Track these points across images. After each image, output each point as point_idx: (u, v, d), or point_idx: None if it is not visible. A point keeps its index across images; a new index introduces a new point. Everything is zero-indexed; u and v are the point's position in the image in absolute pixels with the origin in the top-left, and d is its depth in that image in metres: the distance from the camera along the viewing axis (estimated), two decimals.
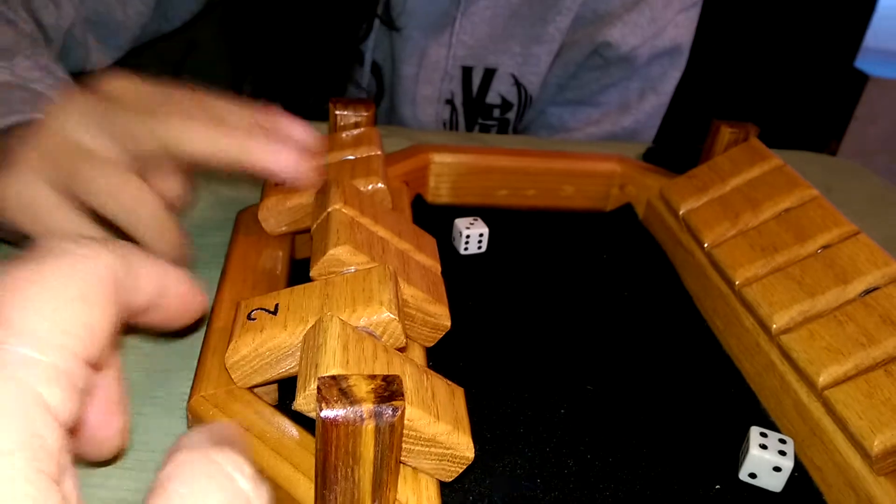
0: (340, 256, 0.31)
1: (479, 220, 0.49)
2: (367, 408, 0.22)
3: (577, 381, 0.38)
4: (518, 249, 0.50)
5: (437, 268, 0.37)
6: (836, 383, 0.32)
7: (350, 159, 0.41)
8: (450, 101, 0.78)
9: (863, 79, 1.99)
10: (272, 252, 0.39)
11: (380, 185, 0.39)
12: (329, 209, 0.34)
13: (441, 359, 0.37)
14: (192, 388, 0.29)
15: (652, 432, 0.35)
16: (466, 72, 0.76)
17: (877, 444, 0.29)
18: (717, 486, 0.33)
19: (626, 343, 0.41)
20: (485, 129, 0.80)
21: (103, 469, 0.30)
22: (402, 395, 0.22)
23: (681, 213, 0.46)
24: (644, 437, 0.35)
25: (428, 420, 0.25)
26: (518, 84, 0.77)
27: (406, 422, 0.25)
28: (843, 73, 1.97)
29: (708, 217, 0.44)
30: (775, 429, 0.36)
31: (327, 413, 0.21)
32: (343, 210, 0.34)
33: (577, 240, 0.52)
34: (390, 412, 0.22)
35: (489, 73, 0.76)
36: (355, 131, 0.44)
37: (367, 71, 0.76)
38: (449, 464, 0.26)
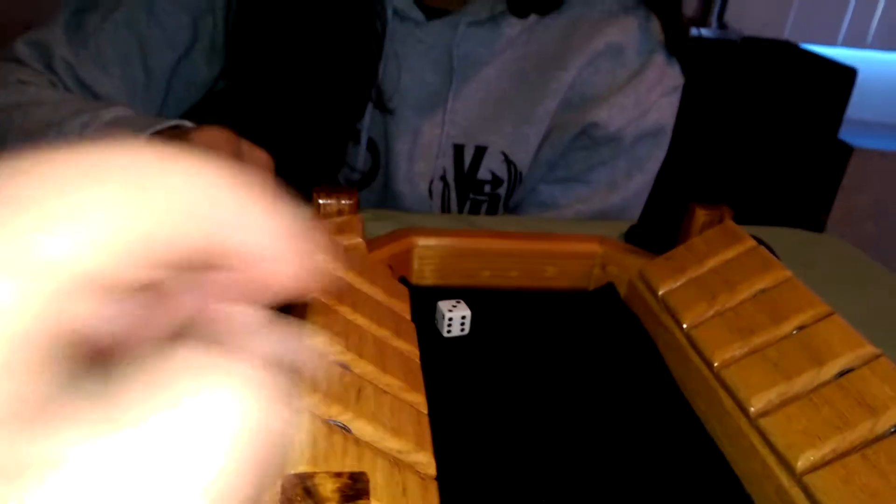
0: (318, 349, 0.31)
1: (462, 302, 0.50)
2: None
3: (557, 469, 0.37)
4: (501, 331, 0.50)
5: (416, 353, 0.37)
6: (815, 468, 0.32)
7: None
8: (443, 178, 0.80)
9: (847, 150, 2.03)
10: None
11: (358, 239, 0.39)
12: (307, 297, 0.34)
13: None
14: None
15: None
16: (458, 149, 0.78)
17: None
18: None
19: (609, 427, 0.41)
20: (476, 205, 0.82)
21: None
22: (368, 493, 0.22)
23: (660, 293, 0.47)
24: None
25: None
26: (508, 161, 0.79)
27: None
28: (827, 146, 2.02)
29: (686, 298, 0.45)
30: None
31: None
32: (320, 299, 0.34)
33: (559, 320, 0.52)
34: None
35: (480, 151, 0.78)
36: (338, 219, 0.45)
37: (363, 148, 0.78)
38: None
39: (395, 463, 0.28)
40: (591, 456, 0.39)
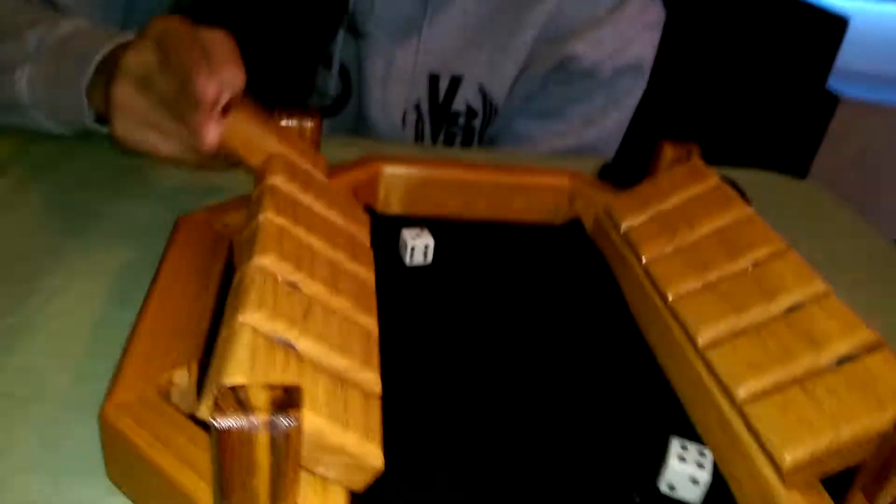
0: (266, 267, 0.31)
1: (426, 230, 0.49)
2: (262, 418, 0.22)
3: (504, 394, 0.38)
4: (465, 261, 0.50)
5: (370, 278, 0.37)
6: (755, 398, 0.32)
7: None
8: (416, 108, 0.78)
9: (834, 100, 2.02)
10: (209, 258, 0.39)
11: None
12: (259, 218, 0.34)
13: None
14: (106, 394, 0.29)
15: (577, 442, 0.35)
16: (433, 79, 0.76)
17: (787, 459, 0.29)
18: (637, 498, 0.33)
19: (560, 355, 0.42)
20: (451, 137, 0.81)
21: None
22: (300, 405, 0.22)
23: (622, 228, 0.47)
24: (569, 447, 0.35)
25: (335, 429, 0.25)
26: (484, 93, 0.78)
27: (313, 431, 0.25)
28: (814, 94, 2.00)
29: (647, 233, 0.45)
30: (700, 441, 0.36)
31: (221, 422, 0.21)
32: (273, 219, 0.34)
33: (523, 253, 0.52)
34: (286, 422, 0.22)
35: (455, 82, 0.77)
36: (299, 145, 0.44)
37: (335, 73, 0.76)
38: (357, 473, 0.27)
39: (339, 380, 0.28)
40: (539, 382, 0.39)
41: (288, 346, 0.27)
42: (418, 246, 0.49)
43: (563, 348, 0.42)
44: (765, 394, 0.32)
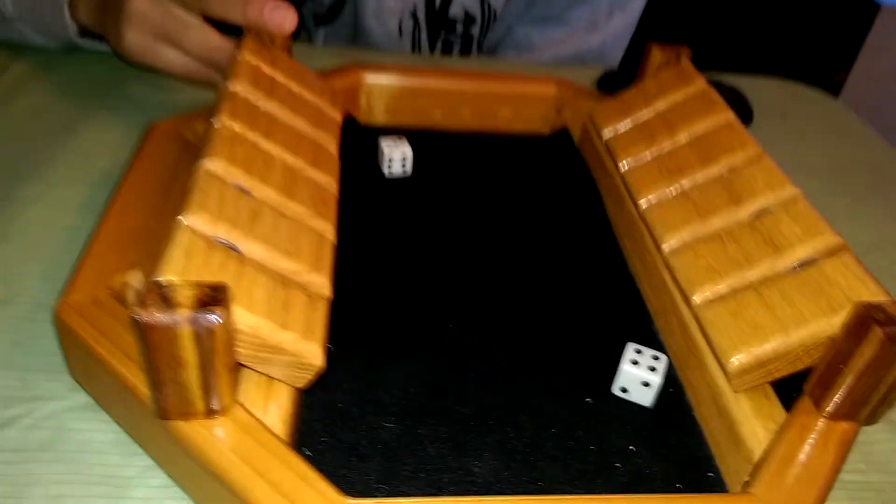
0: (213, 171, 0.31)
1: (404, 139, 0.49)
2: (183, 313, 0.22)
3: (473, 295, 0.38)
4: (446, 172, 0.49)
5: (332, 184, 0.37)
6: (710, 303, 0.32)
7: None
8: (413, 15, 0.76)
9: (874, 7, 1.91)
10: (174, 165, 0.39)
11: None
12: (213, 122, 0.34)
13: (346, 274, 0.37)
14: (60, 294, 0.30)
15: (539, 346, 0.36)
16: None
17: (732, 362, 0.29)
18: (589, 399, 0.33)
19: (533, 262, 0.42)
20: (448, 45, 0.78)
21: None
22: (225, 303, 0.23)
23: (604, 137, 0.46)
24: (531, 351, 0.35)
25: (271, 328, 0.26)
26: None
27: (248, 328, 0.25)
28: (853, 1, 1.89)
29: (628, 141, 0.44)
30: (662, 347, 0.36)
31: (143, 317, 0.22)
32: (228, 125, 0.33)
33: (506, 163, 0.51)
34: (210, 319, 0.22)
35: None
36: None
37: None
38: (298, 371, 0.27)
39: (283, 282, 0.28)
40: (508, 286, 0.39)
41: (230, 248, 0.28)
42: (396, 156, 0.48)
43: (537, 256, 0.42)
44: (720, 299, 0.32)
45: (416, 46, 0.78)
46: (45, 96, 0.54)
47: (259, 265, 0.28)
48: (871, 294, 0.28)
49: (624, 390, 0.33)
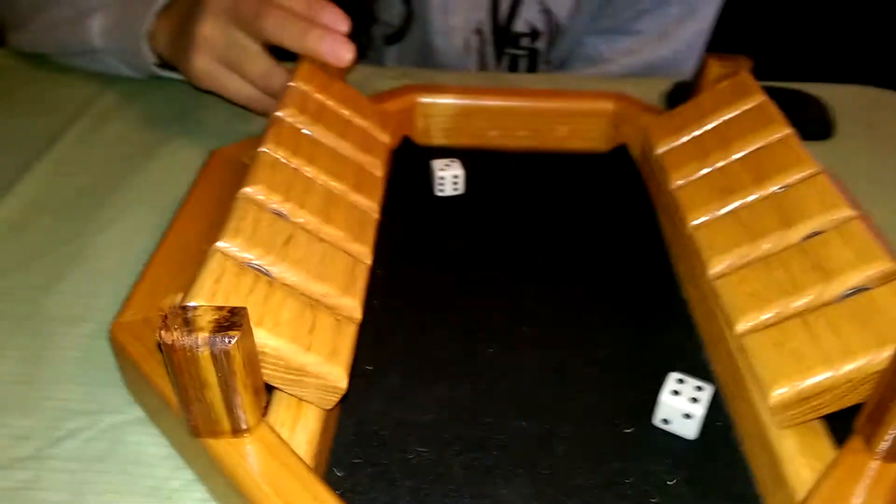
0: (252, 196, 0.32)
1: (457, 161, 0.49)
2: (202, 336, 0.23)
3: (517, 320, 0.38)
4: (499, 192, 0.49)
5: (374, 208, 0.38)
6: (754, 331, 0.30)
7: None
8: (478, 31, 0.76)
9: None
10: (233, 189, 0.41)
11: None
12: (259, 150, 0.35)
13: (388, 294, 0.38)
14: (116, 314, 0.32)
15: (582, 372, 0.35)
16: (494, 0, 0.74)
17: (773, 395, 0.28)
18: (629, 430, 0.32)
19: (582, 285, 0.41)
20: (514, 60, 0.79)
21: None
22: (241, 325, 0.24)
23: (656, 152, 0.45)
24: (573, 377, 0.35)
25: (296, 350, 0.27)
26: (547, 11, 0.75)
27: (272, 350, 0.26)
28: None
29: (680, 157, 0.42)
30: (711, 377, 0.35)
31: (166, 339, 0.23)
32: (269, 150, 0.35)
33: (561, 181, 0.51)
34: (225, 341, 0.23)
35: (517, 1, 0.74)
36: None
37: (397, 3, 0.76)
38: (324, 393, 0.28)
39: (312, 305, 0.29)
40: (553, 312, 0.39)
41: (260, 272, 0.29)
42: (447, 177, 0.48)
43: (587, 278, 0.41)
44: (765, 327, 0.30)
45: (482, 62, 0.78)
46: (129, 123, 0.58)
47: (289, 288, 0.29)
48: None
49: (665, 422, 0.32)
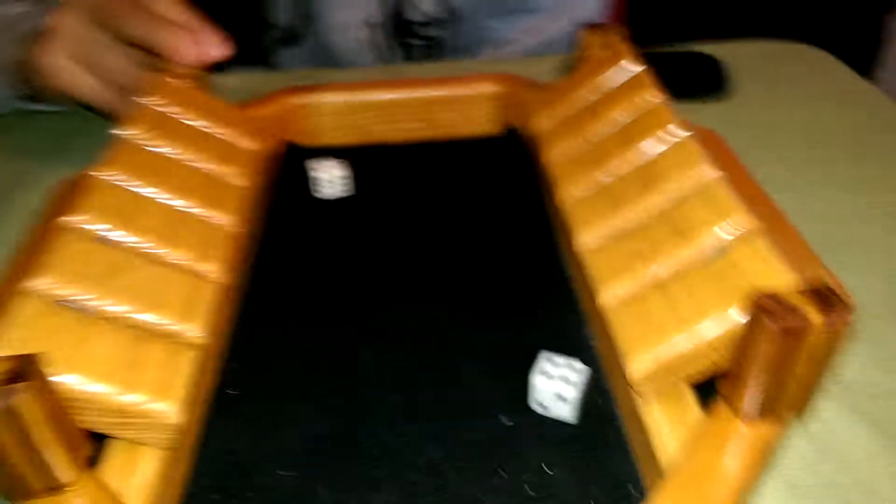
0: (72, 225, 0.30)
1: (335, 160, 0.47)
2: None
3: (392, 320, 0.36)
4: (391, 188, 0.48)
5: (232, 223, 0.35)
6: (617, 303, 0.29)
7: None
8: (373, 24, 0.74)
9: None
10: None
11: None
12: (88, 174, 0.33)
13: (256, 309, 0.36)
14: None
15: (460, 367, 0.33)
16: None
17: (632, 367, 0.26)
18: (507, 420, 0.31)
19: (465, 273, 0.39)
20: (413, 51, 0.77)
21: None
22: (32, 375, 0.22)
23: (535, 129, 0.43)
24: (452, 374, 0.33)
25: (113, 391, 0.24)
26: None
27: (83, 395, 0.24)
28: None
29: (554, 133, 0.41)
30: (593, 354, 0.33)
31: None
32: (101, 174, 0.33)
33: (454, 171, 0.49)
34: (13, 395, 0.21)
35: None
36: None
37: (284, 2, 0.73)
38: (154, 432, 0.26)
39: (140, 337, 0.27)
40: (431, 306, 0.37)
41: (75, 308, 0.26)
42: (329, 177, 0.46)
43: (470, 265, 0.40)
44: (627, 298, 0.29)
45: (380, 57, 0.76)
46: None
47: (111, 323, 0.27)
48: (779, 281, 0.25)
49: (542, 406, 0.31)
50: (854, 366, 0.35)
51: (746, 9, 1.02)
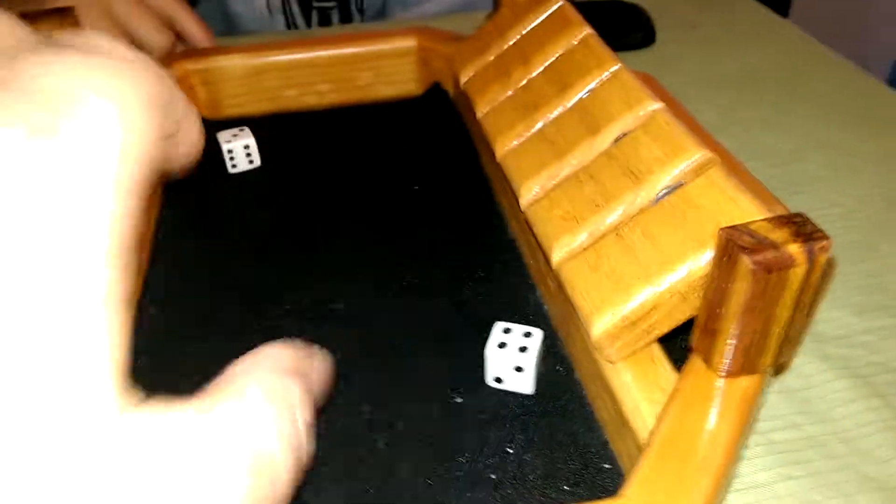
0: None
1: (246, 129, 0.43)
2: None
3: (326, 301, 0.32)
4: (305, 157, 0.43)
5: None
6: (570, 258, 0.26)
7: None
8: None
9: None
10: None
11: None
12: None
13: (164, 295, 0.31)
14: None
15: (411, 346, 0.30)
16: None
17: (597, 326, 0.24)
18: (459, 398, 0.28)
19: (397, 240, 0.36)
20: (325, 15, 0.72)
21: None
22: None
23: (461, 82, 0.40)
24: (401, 352, 0.30)
25: None
26: None
27: None
28: None
29: (484, 82, 0.38)
30: (546, 320, 0.31)
31: None
32: None
33: (376, 134, 0.45)
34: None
35: None
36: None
37: None
38: None
39: None
40: (373, 283, 0.34)
41: None
42: (236, 148, 0.42)
43: (402, 231, 0.36)
44: (581, 251, 0.26)
45: (290, 24, 0.71)
46: None
47: None
48: (743, 213, 0.22)
49: (498, 380, 0.28)
50: (819, 310, 0.33)
51: None
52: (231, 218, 0.38)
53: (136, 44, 0.48)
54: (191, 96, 0.46)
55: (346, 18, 0.72)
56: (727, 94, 0.52)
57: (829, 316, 0.33)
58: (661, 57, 0.57)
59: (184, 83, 0.45)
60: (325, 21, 0.72)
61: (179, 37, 0.51)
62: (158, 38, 0.50)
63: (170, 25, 0.50)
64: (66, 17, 0.38)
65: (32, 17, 0.37)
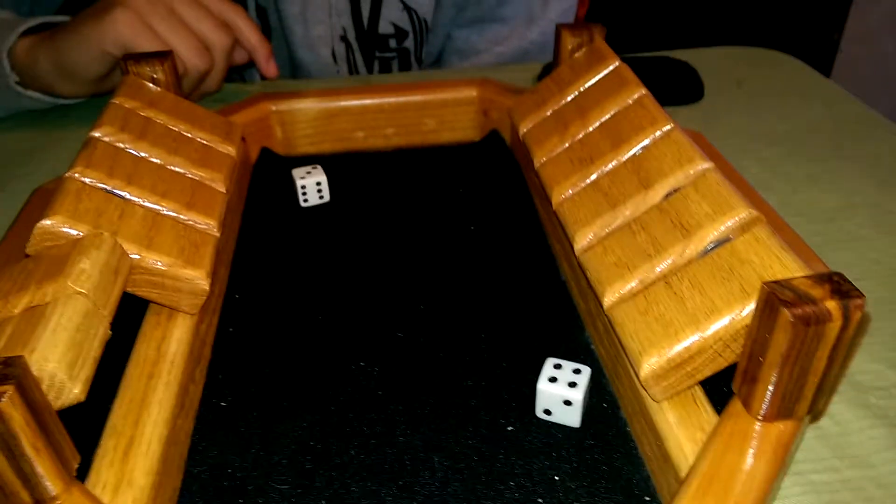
0: (50, 229, 0.28)
1: (318, 167, 0.46)
2: None
3: (386, 328, 0.35)
4: (371, 195, 0.46)
5: (212, 226, 0.34)
6: (621, 302, 0.29)
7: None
8: (343, 38, 0.73)
9: None
10: None
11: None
12: (64, 175, 0.31)
13: (247, 318, 0.34)
14: None
15: (459, 375, 0.32)
16: (354, 4, 0.71)
17: (644, 367, 0.26)
18: (511, 427, 0.30)
19: (457, 280, 0.38)
20: (385, 63, 0.76)
21: None
22: (16, 377, 0.20)
23: (521, 133, 0.43)
24: (450, 382, 0.32)
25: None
26: (408, 9, 0.72)
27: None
28: None
29: (543, 133, 0.41)
30: (593, 358, 0.33)
31: None
32: (77, 176, 0.31)
33: (437, 176, 0.48)
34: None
35: (377, 2, 0.72)
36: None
37: (252, 16, 0.72)
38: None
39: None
40: (427, 314, 0.36)
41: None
42: (309, 184, 0.45)
43: (461, 271, 0.39)
44: (631, 296, 0.28)
45: (352, 70, 0.75)
46: None
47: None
48: (786, 270, 0.24)
49: (547, 412, 0.30)
50: (859, 362, 0.35)
51: (707, 17, 1.04)
52: (301, 248, 0.42)
53: (200, 43, 0.53)
54: (269, 135, 0.50)
55: (405, 67, 0.77)
56: (772, 149, 0.54)
57: (869, 368, 0.34)
58: (708, 112, 0.60)
59: (264, 123, 0.49)
60: (385, 69, 0.76)
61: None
62: (220, 36, 0.54)
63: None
64: (165, 60, 0.42)
65: (136, 60, 0.42)
